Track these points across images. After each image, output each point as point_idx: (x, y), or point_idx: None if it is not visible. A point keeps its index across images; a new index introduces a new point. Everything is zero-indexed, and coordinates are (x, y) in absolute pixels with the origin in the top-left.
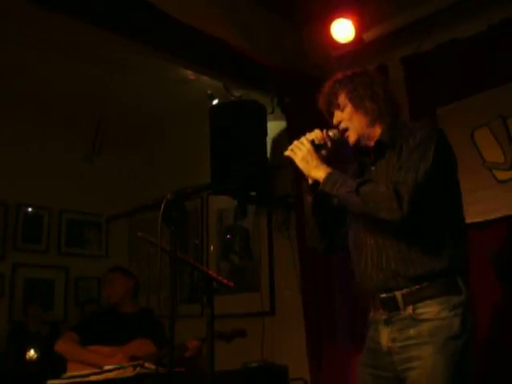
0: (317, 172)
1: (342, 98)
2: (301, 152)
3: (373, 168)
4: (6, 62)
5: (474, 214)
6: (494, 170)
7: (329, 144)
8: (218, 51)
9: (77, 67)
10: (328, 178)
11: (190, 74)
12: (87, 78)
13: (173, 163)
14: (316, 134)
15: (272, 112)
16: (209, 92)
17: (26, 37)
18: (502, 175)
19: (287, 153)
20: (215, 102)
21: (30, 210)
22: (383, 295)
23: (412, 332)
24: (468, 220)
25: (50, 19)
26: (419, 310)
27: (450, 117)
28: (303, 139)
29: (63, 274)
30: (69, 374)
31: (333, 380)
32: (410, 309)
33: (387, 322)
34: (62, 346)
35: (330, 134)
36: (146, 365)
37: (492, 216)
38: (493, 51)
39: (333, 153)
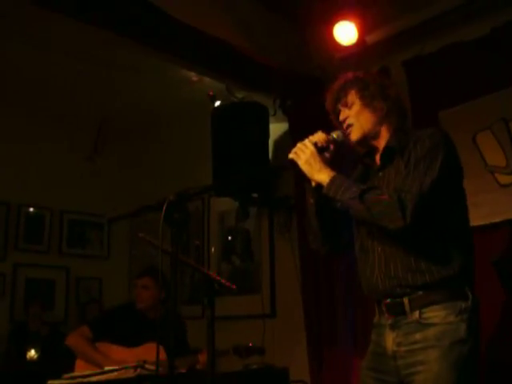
0: (320, 175)
1: (352, 96)
2: (304, 155)
3: (380, 174)
4: (6, 62)
5: (475, 217)
6: (497, 174)
7: (332, 146)
8: (220, 52)
9: (78, 68)
10: (332, 182)
11: (192, 76)
12: (89, 79)
13: (175, 165)
14: (319, 136)
15: (274, 114)
16: (211, 93)
17: (27, 37)
18: (504, 179)
19: (291, 155)
20: (217, 103)
21: (31, 210)
22: (389, 300)
23: (418, 336)
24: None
25: (50, 19)
26: (426, 315)
27: (452, 120)
28: (306, 142)
29: (64, 275)
30: (69, 374)
31: (333, 382)
32: (416, 313)
33: (393, 327)
34: (72, 340)
35: (334, 135)
36: (147, 366)
37: (494, 219)
38: (495, 54)
39: (336, 155)
